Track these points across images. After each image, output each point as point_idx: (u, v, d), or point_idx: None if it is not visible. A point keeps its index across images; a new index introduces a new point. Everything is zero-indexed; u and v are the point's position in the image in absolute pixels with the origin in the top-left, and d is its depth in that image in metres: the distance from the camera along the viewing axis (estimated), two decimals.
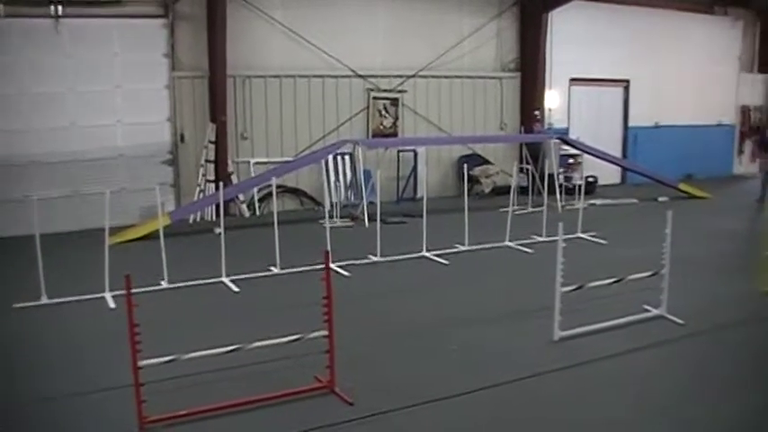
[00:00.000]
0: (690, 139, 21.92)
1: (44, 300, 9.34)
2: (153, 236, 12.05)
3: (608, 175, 20.57)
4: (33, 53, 14.38)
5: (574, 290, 7.55)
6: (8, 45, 14.15)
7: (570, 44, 19.81)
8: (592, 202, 16.78)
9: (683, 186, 18.51)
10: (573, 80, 20.55)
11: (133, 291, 5.50)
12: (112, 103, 15.20)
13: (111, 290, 9.47)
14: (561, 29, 19.83)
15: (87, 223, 13.66)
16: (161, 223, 10.82)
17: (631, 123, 21.85)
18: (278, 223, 10.88)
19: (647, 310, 8.32)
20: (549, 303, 7.55)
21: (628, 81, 21.57)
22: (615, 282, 8.07)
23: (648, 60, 21.25)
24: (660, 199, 17.63)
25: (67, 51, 14.69)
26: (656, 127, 21.85)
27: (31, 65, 14.39)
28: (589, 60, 20.21)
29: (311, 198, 17.24)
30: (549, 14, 19.53)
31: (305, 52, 17.02)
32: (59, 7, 14.45)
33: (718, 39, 22.85)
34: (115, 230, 10.79)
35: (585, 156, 18.24)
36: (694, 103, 22.20)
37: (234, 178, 16.26)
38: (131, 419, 5.59)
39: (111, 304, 9.20)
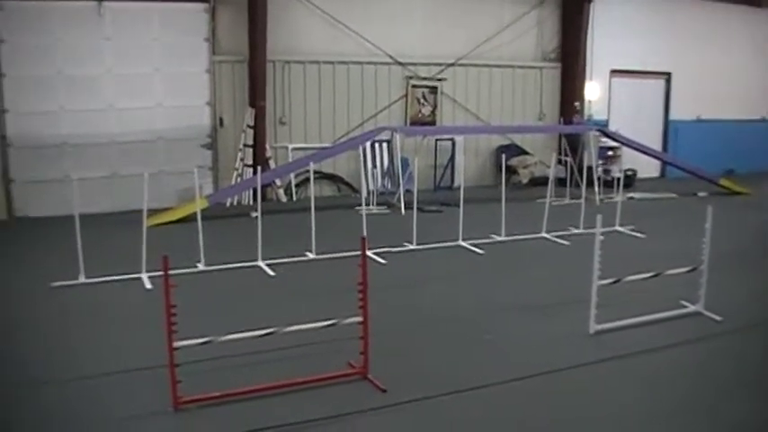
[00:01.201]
0: (732, 134, 21.62)
1: (82, 279, 9.46)
2: (190, 218, 12.14)
3: (647, 168, 20.36)
4: (74, 36, 14.55)
5: (611, 283, 7.48)
6: (49, 27, 14.33)
7: (612, 35, 19.60)
8: (630, 195, 16.63)
9: (723, 182, 18.27)
10: (614, 71, 20.35)
11: (170, 272, 5.53)
12: (152, 87, 15.33)
13: (147, 271, 9.55)
14: (603, 19, 19.62)
15: (125, 205, 13.84)
16: (198, 206, 10.89)
17: (672, 116, 21.60)
18: (314, 209, 10.92)
19: (684, 306, 8.22)
20: (584, 296, 7.49)
21: (669, 74, 21.31)
22: (652, 276, 7.96)
23: (691, 53, 20.95)
24: (700, 194, 17.44)
25: (108, 34, 14.82)
26: (698, 121, 21.56)
27: (71, 47, 14.54)
28: (631, 52, 19.98)
29: (348, 184, 17.26)
30: (591, 4, 19.34)
31: (344, 38, 17.02)
32: None
33: (763, 32, 22.44)
34: (153, 212, 10.89)
35: (625, 148, 18.06)
36: (737, 97, 21.84)
37: (272, 163, 16.33)
38: (166, 399, 5.64)
39: (148, 285, 9.29)
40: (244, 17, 15.86)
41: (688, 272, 8.04)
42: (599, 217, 7.18)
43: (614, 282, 7.54)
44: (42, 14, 14.26)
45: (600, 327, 7.43)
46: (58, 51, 14.48)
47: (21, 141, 14.37)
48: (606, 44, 19.68)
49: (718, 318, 7.94)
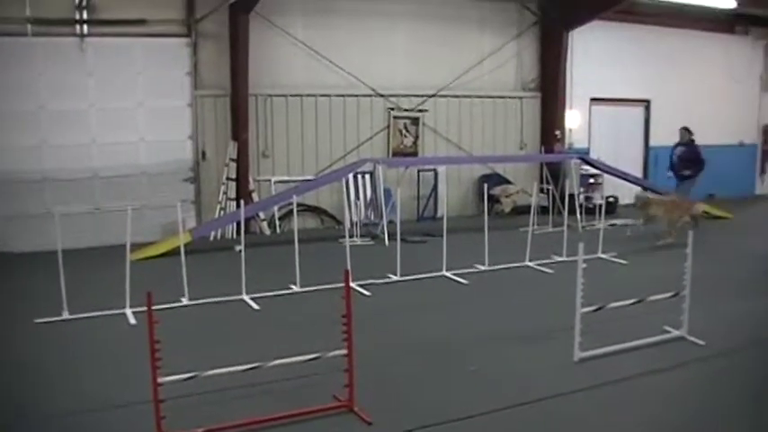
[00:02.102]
0: (711, 159, 21.78)
1: (65, 315, 9.42)
2: (174, 253, 12.10)
3: (629, 194, 20.37)
4: (56, 71, 14.55)
5: (594, 310, 7.52)
6: (31, 63, 14.33)
7: (591, 64, 19.81)
8: (612, 222, 16.71)
9: (704, 206, 18.38)
10: (593, 100, 20.53)
11: (154, 307, 5.53)
12: (134, 121, 15.33)
13: (131, 306, 9.53)
14: (581, 48, 19.83)
15: (108, 239, 13.80)
16: (182, 240, 10.89)
17: (652, 143, 21.77)
18: (298, 241, 10.92)
19: (667, 331, 8.27)
20: (569, 324, 7.53)
21: (648, 101, 21.53)
22: (636, 303, 8.02)
23: (669, 80, 21.17)
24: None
25: (90, 69, 14.86)
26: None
27: (53, 82, 14.54)
28: (610, 80, 20.18)
29: (332, 216, 17.27)
30: (570, 34, 19.53)
31: (326, 71, 17.11)
32: (85, 26, 14.65)
33: (740, 58, 22.71)
34: (136, 247, 10.86)
35: (606, 176, 18.20)
36: (716, 122, 21.98)
37: (255, 196, 16.34)
38: None
39: (132, 320, 9.26)
40: (225, 51, 15.93)
41: (670, 297, 8.10)
42: (581, 245, 7.23)
43: (597, 309, 7.58)
44: (24, 50, 14.27)
45: (584, 354, 7.46)
46: (41, 86, 14.47)
47: (3, 176, 14.29)
48: (585, 73, 19.87)
49: (701, 342, 7.99)
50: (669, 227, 14.38)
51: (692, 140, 16.57)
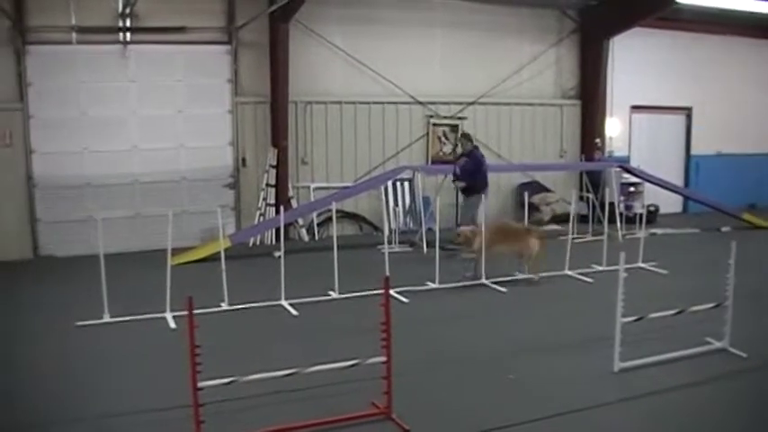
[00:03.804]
0: (753, 168, 21.54)
1: (106, 318, 9.54)
2: (213, 258, 12.23)
3: (669, 203, 20.27)
4: (99, 78, 14.81)
5: (635, 321, 7.44)
6: (75, 70, 14.61)
7: (631, 71, 19.67)
8: (653, 231, 16.57)
9: (746, 216, 18.17)
10: (634, 107, 20.38)
11: (194, 312, 5.57)
12: (175, 128, 15.53)
13: (171, 310, 9.61)
14: (622, 56, 19.70)
15: (148, 244, 14.04)
16: (222, 246, 10.97)
17: (693, 151, 21.54)
18: (337, 248, 10.94)
19: (709, 343, 8.14)
20: (608, 334, 7.45)
21: (690, 108, 21.30)
22: (677, 313, 7.91)
23: (711, 88, 20.92)
24: (723, 229, 17.33)
25: (132, 76, 15.08)
26: (719, 155, 21.49)
27: (96, 89, 14.81)
28: (651, 87, 20.02)
29: (370, 223, 17.29)
30: (610, 41, 19.41)
31: (365, 79, 17.17)
32: (128, 34, 14.84)
33: None
34: (176, 252, 10.93)
35: (646, 184, 18.05)
36: (758, 130, 21.76)
37: (294, 202, 16.41)
38: None
39: (172, 324, 9.34)
40: (265, 59, 16.05)
41: (712, 308, 7.98)
42: (622, 254, 7.16)
43: (638, 319, 7.50)
44: (68, 57, 14.52)
45: (624, 365, 7.38)
46: (84, 93, 14.73)
47: (46, 182, 14.58)
48: (626, 80, 19.73)
49: (743, 354, 7.86)
50: (525, 261, 12.27)
51: (475, 148, 14.21)
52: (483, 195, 13.77)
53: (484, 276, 11.80)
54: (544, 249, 12.07)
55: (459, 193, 14.44)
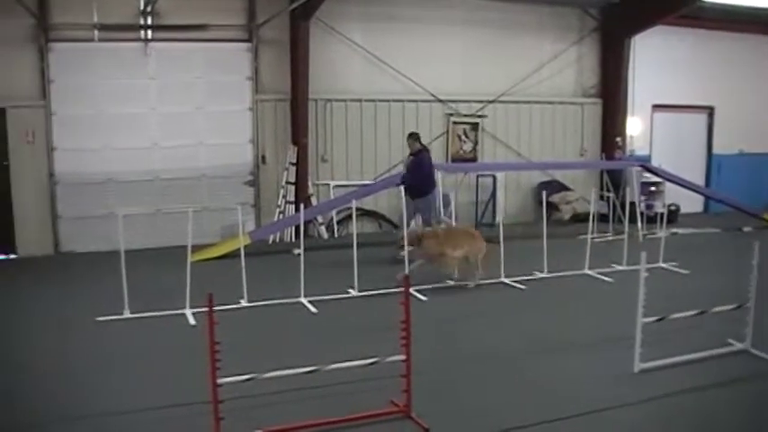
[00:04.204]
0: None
1: (126, 314, 9.59)
2: (233, 255, 12.25)
3: (690, 203, 20.13)
4: (119, 75, 14.91)
5: (656, 321, 7.40)
6: (96, 67, 14.72)
7: (653, 70, 19.55)
8: (673, 230, 16.47)
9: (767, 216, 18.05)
10: (655, 106, 20.26)
11: (214, 309, 5.58)
12: (195, 125, 15.59)
13: (191, 307, 9.64)
14: (644, 54, 19.60)
15: (168, 241, 14.06)
16: (242, 243, 10.99)
17: (715, 151, 21.40)
18: (356, 246, 10.95)
19: (730, 344, 8.08)
20: (628, 334, 7.41)
21: (712, 108, 21.15)
22: (698, 314, 7.85)
23: (734, 86, 20.72)
24: (745, 229, 17.21)
25: (153, 73, 15.15)
26: (741, 154, 21.33)
27: (117, 86, 14.92)
28: (672, 86, 19.88)
29: (389, 221, 17.28)
30: (632, 39, 19.32)
31: (385, 77, 17.17)
32: (149, 32, 14.91)
33: None
34: (196, 248, 10.96)
35: (667, 184, 17.95)
36: None
37: (313, 200, 16.43)
38: None
39: (192, 321, 9.38)
40: (286, 56, 16.08)
41: (734, 309, 7.92)
42: (643, 254, 7.12)
43: (659, 319, 7.45)
44: (90, 55, 14.61)
45: (645, 365, 7.33)
46: (105, 90, 14.81)
47: (67, 178, 14.67)
48: (647, 79, 19.61)
49: (765, 356, 7.78)
50: (473, 266, 11.63)
51: (423, 149, 13.98)
52: (430, 197, 13.71)
53: (503, 274, 11.76)
54: (487, 257, 11.68)
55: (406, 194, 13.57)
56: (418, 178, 13.60)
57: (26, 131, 14.38)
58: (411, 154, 13.95)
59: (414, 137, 14.07)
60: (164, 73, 15.26)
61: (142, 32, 15.03)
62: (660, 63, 19.61)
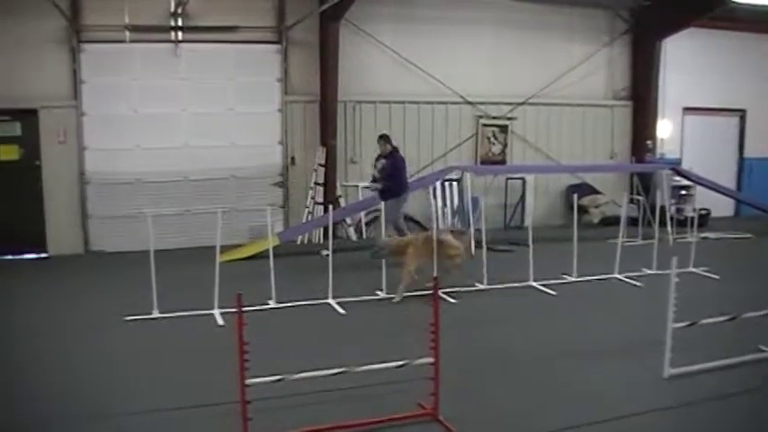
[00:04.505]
0: None
1: (155, 314, 9.67)
2: (261, 255, 12.29)
3: (721, 207, 19.93)
4: (150, 76, 15.03)
5: (686, 326, 7.32)
6: (127, 68, 14.85)
7: (684, 72, 19.41)
8: (704, 235, 16.31)
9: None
10: (686, 109, 20.10)
11: (243, 309, 5.59)
12: (225, 126, 15.66)
13: (219, 307, 9.68)
14: (675, 56, 19.46)
15: (197, 241, 14.16)
16: (270, 243, 11.01)
17: (746, 154, 21.20)
18: None
19: (762, 351, 7.99)
20: (658, 338, 7.34)
21: (743, 111, 20.95)
22: (729, 320, 7.77)
23: (765, 90, 20.52)
24: None
25: (183, 74, 15.25)
26: None
27: (148, 87, 15.05)
28: (704, 89, 19.72)
29: (418, 223, 17.24)
30: (663, 42, 19.18)
31: (414, 78, 17.15)
32: (179, 33, 15.01)
33: None
34: (224, 249, 11.00)
35: (698, 187, 17.80)
36: None
37: (342, 201, 16.44)
38: None
39: (220, 321, 9.42)
40: (315, 58, 16.13)
41: (766, 315, 7.83)
42: (674, 258, 7.07)
43: (690, 324, 7.37)
44: (121, 56, 14.73)
45: (675, 371, 7.26)
46: (136, 91, 14.94)
47: (98, 178, 14.81)
48: (678, 82, 19.48)
49: None
50: (452, 272, 11.27)
51: (394, 150, 13.52)
52: (402, 199, 13.42)
53: (531, 278, 11.71)
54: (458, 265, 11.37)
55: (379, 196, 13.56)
56: (395, 180, 13.30)
57: (58, 131, 14.54)
58: (382, 156, 13.52)
59: (384, 138, 13.63)
60: (194, 74, 15.35)
61: (173, 34, 15.13)
62: (691, 65, 19.45)
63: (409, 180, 14.10)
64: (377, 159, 13.73)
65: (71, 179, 14.72)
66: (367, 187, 13.65)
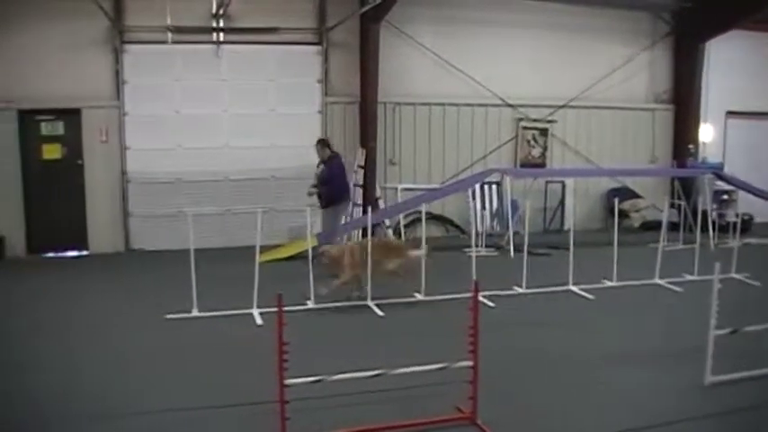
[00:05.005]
0: None
1: (195, 312, 9.77)
2: (299, 256, 12.33)
3: (764, 212, 19.61)
4: (192, 77, 15.21)
5: (729, 333, 7.23)
6: (170, 69, 15.04)
7: (728, 76, 19.19)
8: (747, 240, 16.09)
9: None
10: (729, 113, 19.86)
11: (282, 309, 5.62)
12: (266, 126, 15.76)
13: (258, 307, 9.74)
14: (718, 59, 19.25)
15: (236, 241, 14.24)
16: (310, 244, 11.04)
17: None
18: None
19: None
20: (699, 345, 7.25)
21: None
22: None
23: None
24: None
25: (224, 75, 15.38)
26: None
27: (189, 88, 15.23)
28: (747, 92, 19.48)
29: (457, 226, 17.25)
30: (706, 45, 18.98)
31: (454, 80, 17.14)
32: (221, 34, 15.13)
33: None
34: (263, 249, 11.05)
35: (740, 192, 17.57)
36: None
37: (381, 203, 16.46)
38: None
39: (259, 321, 9.49)
40: (356, 60, 16.17)
41: None
42: (717, 264, 6.98)
43: (733, 332, 7.28)
44: (163, 56, 14.90)
45: (715, 378, 7.17)
46: (177, 91, 15.11)
47: (139, 177, 14.99)
48: (721, 85, 19.28)
49: None
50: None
51: (334, 155, 13.22)
52: (341, 206, 13.26)
53: (570, 282, 11.64)
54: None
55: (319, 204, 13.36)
56: (332, 187, 13.01)
57: (100, 131, 14.76)
58: (322, 161, 13.19)
59: (323, 143, 13.28)
60: (235, 75, 15.49)
61: (214, 35, 15.29)
62: (735, 68, 19.23)
63: (454, 182, 13.93)
64: (317, 165, 13.35)
65: (113, 178, 14.92)
66: (310, 194, 13.17)
